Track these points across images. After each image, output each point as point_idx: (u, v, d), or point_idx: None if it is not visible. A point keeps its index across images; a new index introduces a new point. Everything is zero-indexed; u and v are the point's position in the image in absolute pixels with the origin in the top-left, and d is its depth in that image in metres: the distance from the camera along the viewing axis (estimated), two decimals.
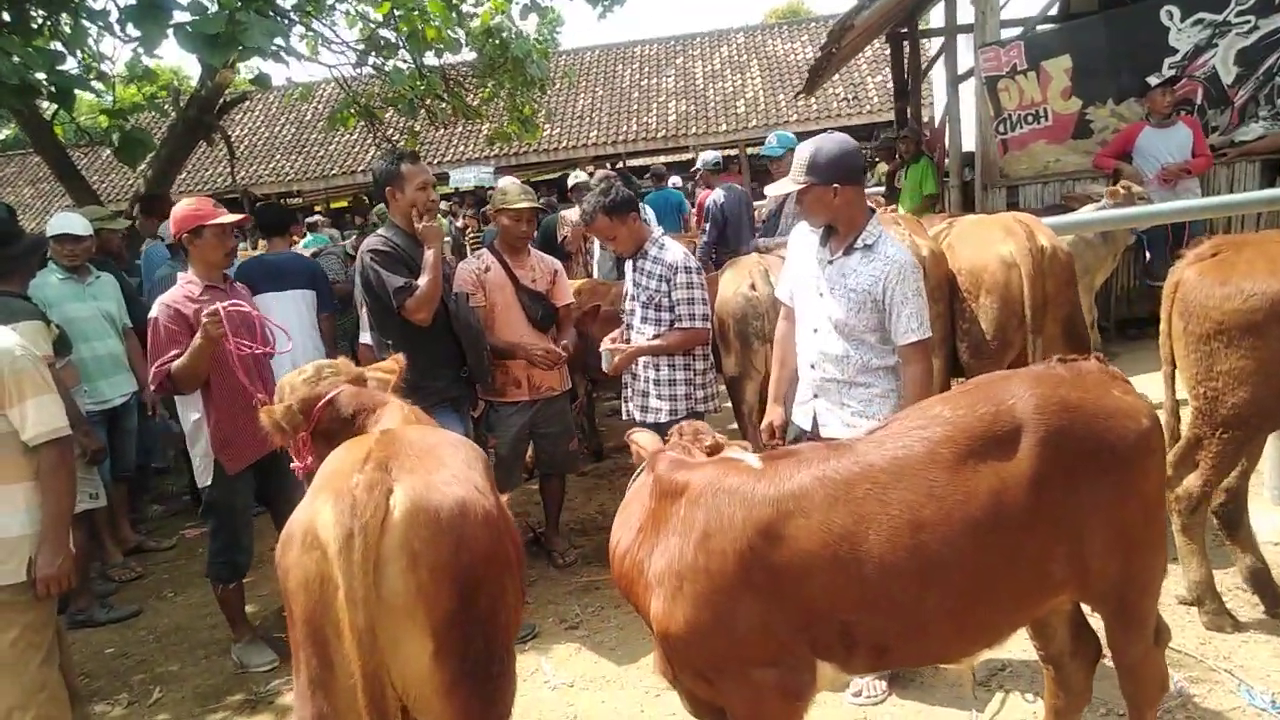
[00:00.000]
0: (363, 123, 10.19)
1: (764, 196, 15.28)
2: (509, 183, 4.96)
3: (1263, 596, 3.54)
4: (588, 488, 6.20)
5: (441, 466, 2.07)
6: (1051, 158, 7.70)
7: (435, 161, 18.58)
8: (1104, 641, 2.51)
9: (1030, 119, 7.66)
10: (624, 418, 4.64)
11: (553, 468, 5.01)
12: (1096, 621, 2.50)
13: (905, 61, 11.72)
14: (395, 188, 3.98)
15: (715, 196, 7.37)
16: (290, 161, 20.90)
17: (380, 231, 4.14)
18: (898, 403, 3.25)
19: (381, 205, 7.55)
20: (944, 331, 4.34)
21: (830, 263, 3.24)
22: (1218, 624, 3.45)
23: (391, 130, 11.55)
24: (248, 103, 20.07)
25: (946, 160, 8.92)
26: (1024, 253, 4.09)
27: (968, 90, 8.18)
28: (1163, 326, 3.46)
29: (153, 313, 3.94)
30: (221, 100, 8.83)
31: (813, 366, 3.37)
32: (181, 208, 4.05)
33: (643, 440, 2.46)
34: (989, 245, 4.22)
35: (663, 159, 18.87)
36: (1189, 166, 6.78)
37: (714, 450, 2.37)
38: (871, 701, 3.34)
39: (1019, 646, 3.46)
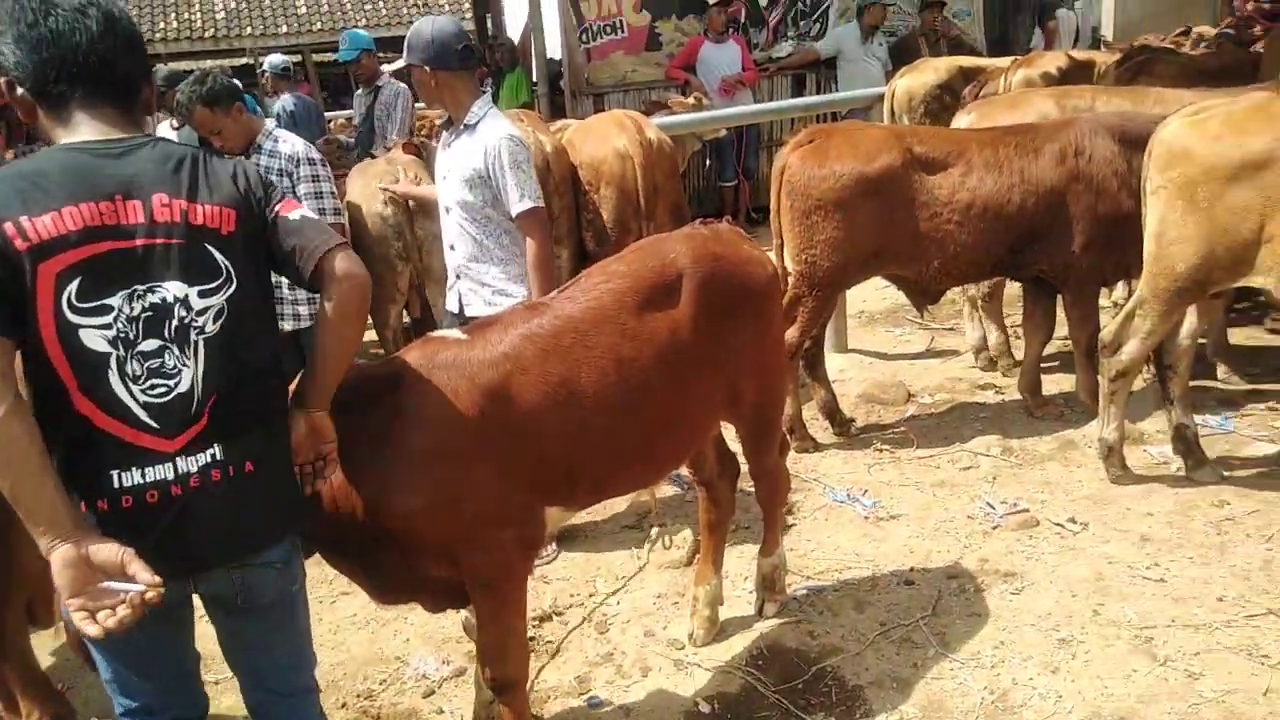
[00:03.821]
0: None
1: (340, 107, 14.30)
2: None
3: (832, 422, 4.44)
4: None
5: None
6: (629, 68, 8.37)
7: None
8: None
9: (609, 30, 8.22)
10: None
11: None
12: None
13: None
14: None
15: (284, 103, 6.92)
16: None
17: None
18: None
19: None
20: (570, 223, 4.63)
21: (449, 147, 3.37)
22: (804, 446, 4.26)
23: None
24: None
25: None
26: (636, 145, 4.49)
27: (549, 1, 8.48)
28: (772, 205, 4.07)
29: None
30: None
31: (452, 248, 3.48)
32: None
33: None
34: (605, 140, 4.56)
35: (213, 62, 16.91)
36: (743, 79, 7.84)
37: None
38: (545, 562, 3.61)
39: (662, 490, 3.99)
